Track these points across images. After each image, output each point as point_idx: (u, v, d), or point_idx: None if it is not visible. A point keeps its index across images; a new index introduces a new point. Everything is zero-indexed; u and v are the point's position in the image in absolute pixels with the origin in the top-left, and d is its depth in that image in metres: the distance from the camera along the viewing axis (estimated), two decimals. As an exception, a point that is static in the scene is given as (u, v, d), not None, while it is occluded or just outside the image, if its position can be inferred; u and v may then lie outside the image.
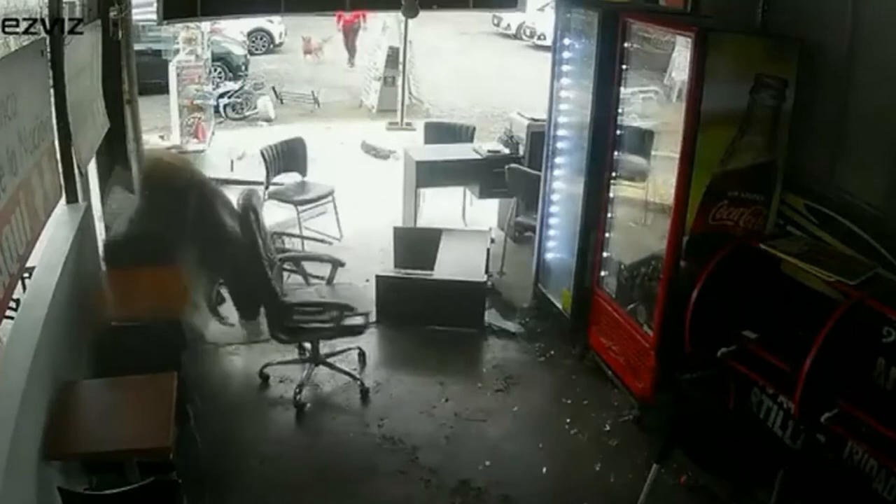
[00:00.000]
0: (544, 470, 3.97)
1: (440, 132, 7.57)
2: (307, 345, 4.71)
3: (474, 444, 4.14)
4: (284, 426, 4.28)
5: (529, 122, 6.39)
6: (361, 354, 4.85)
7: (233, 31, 13.41)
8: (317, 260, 5.18)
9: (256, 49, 15.40)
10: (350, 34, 15.07)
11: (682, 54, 3.92)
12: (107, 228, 4.72)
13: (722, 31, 3.89)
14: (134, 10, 9.75)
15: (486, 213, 6.97)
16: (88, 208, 4.22)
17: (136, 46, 10.20)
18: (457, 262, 5.40)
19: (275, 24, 15.64)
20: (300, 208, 6.43)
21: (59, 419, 2.93)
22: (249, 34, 15.20)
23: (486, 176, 6.46)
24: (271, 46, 15.94)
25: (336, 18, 15.12)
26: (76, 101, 3.86)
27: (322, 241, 6.34)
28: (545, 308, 5.40)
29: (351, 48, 15.14)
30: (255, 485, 3.76)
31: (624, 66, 4.37)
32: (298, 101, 11.93)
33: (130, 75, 4.91)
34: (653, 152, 4.29)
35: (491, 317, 5.36)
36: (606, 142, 4.54)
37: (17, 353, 2.77)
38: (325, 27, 15.14)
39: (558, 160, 5.29)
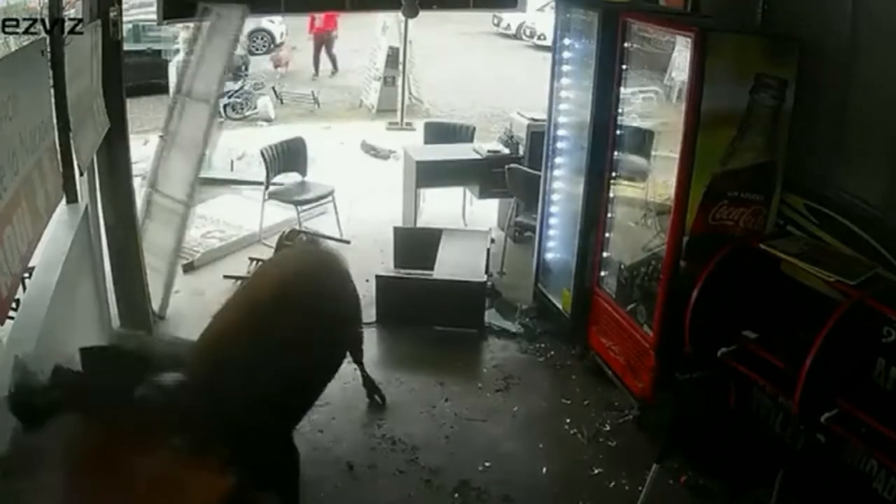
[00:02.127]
0: (544, 470, 3.97)
1: (440, 132, 7.58)
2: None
3: (474, 444, 4.14)
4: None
5: (529, 122, 6.40)
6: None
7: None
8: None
9: (257, 49, 15.31)
10: (321, 44, 13.79)
11: (682, 54, 3.93)
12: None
13: (722, 31, 3.89)
14: (134, 11, 9.84)
15: (486, 213, 6.98)
16: (88, 208, 4.22)
17: (136, 46, 10.31)
18: (457, 262, 5.40)
19: (275, 24, 15.39)
20: (300, 208, 6.44)
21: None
22: (250, 34, 15.08)
23: (486, 176, 6.47)
24: (272, 46, 15.80)
25: (308, 26, 14.13)
26: (76, 101, 3.86)
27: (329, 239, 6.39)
28: (545, 308, 5.40)
29: (318, 60, 13.83)
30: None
31: (624, 66, 4.36)
32: (298, 101, 11.92)
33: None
34: (653, 152, 4.29)
35: (491, 317, 5.36)
36: (606, 142, 4.54)
37: (17, 353, 2.77)
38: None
39: (558, 160, 5.29)
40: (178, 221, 5.19)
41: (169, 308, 5.33)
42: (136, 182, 5.22)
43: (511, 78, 13.67)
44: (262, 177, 6.62)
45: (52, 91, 3.63)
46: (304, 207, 6.49)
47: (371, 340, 5.05)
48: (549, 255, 5.45)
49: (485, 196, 6.69)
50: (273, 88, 11.83)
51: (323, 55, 13.90)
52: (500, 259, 6.09)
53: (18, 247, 2.72)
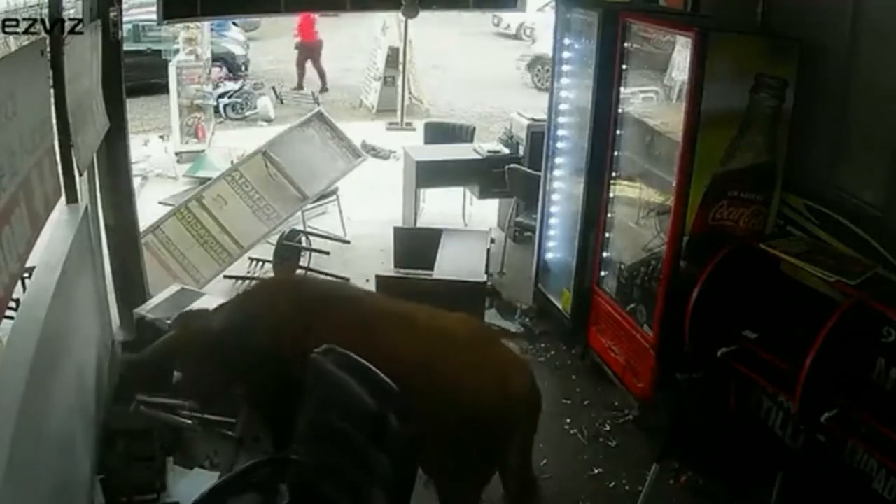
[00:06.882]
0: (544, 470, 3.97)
1: (440, 132, 7.59)
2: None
3: (474, 444, 4.14)
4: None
5: (529, 122, 6.40)
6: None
7: (234, 30, 13.33)
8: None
9: None
10: (306, 54, 12.34)
11: (682, 54, 3.93)
12: None
13: (722, 31, 3.89)
14: (134, 10, 9.84)
15: (486, 213, 6.98)
16: (88, 208, 4.21)
17: (136, 46, 10.32)
18: (457, 262, 5.39)
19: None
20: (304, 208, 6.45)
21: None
22: None
23: (486, 176, 6.47)
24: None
25: (296, 30, 12.59)
26: (76, 102, 3.86)
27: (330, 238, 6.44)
28: (545, 308, 5.39)
29: (302, 73, 12.42)
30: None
31: (624, 66, 4.37)
32: (298, 101, 11.91)
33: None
34: (653, 152, 4.29)
35: (491, 317, 5.35)
36: (606, 142, 4.54)
37: (18, 353, 2.77)
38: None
39: (558, 160, 5.29)
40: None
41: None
42: (136, 182, 5.22)
43: (511, 78, 13.67)
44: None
45: (51, 91, 3.63)
46: (308, 207, 6.49)
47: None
48: (549, 255, 5.44)
49: (485, 196, 6.70)
50: (273, 88, 11.83)
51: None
52: (500, 259, 6.08)
53: (16, 247, 2.72)
